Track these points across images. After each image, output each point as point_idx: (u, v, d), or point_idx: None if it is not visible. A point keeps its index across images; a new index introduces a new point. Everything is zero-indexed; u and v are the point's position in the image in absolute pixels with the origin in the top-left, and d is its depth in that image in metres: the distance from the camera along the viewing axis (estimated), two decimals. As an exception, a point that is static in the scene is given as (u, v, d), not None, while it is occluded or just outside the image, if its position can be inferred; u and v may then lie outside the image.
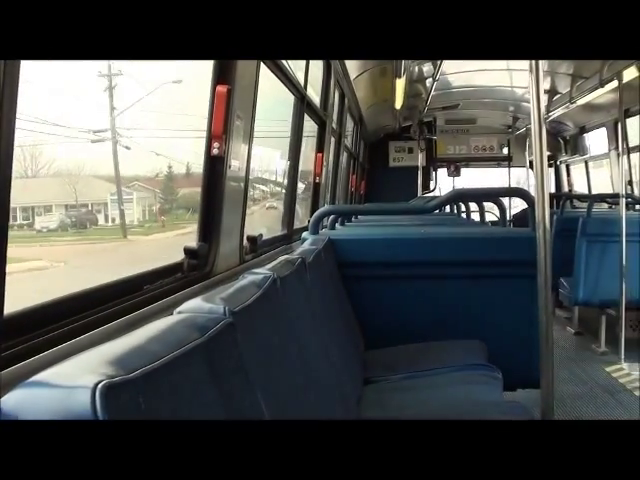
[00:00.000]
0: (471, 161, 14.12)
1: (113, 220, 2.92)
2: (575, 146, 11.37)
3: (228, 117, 2.75)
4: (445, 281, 4.24)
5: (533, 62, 2.89)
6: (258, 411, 1.62)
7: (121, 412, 1.03)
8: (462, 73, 9.20)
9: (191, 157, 3.74)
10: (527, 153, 13.10)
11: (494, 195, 6.30)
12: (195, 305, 1.74)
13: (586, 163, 11.26)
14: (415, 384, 3.58)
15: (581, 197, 10.46)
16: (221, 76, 2.79)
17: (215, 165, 2.80)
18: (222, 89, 2.72)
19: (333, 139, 7.10)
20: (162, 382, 1.19)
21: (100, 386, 1.01)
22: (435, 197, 8.81)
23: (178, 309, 1.71)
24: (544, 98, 2.75)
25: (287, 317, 2.38)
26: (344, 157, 9.01)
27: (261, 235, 3.67)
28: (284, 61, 4.00)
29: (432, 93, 9.29)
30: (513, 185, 13.52)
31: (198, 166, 3.13)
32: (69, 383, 1.03)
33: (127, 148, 2.73)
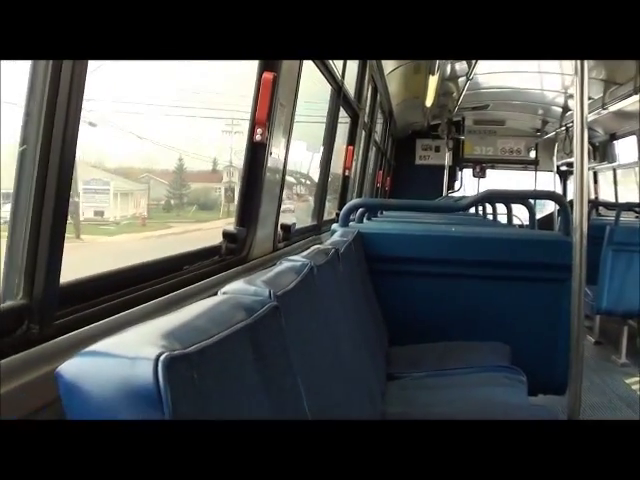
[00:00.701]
0: (497, 163, 14.08)
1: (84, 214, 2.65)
2: (604, 153, 11.31)
3: (272, 104, 2.76)
4: (472, 281, 4.23)
5: (578, 64, 2.88)
6: (297, 395, 1.63)
7: (178, 385, 1.04)
8: (493, 74, 9.18)
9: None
10: (555, 158, 13.05)
11: (527, 197, 6.26)
12: (240, 287, 1.75)
13: (614, 171, 11.19)
14: (439, 382, 3.58)
15: (609, 205, 10.40)
16: (268, 63, 2.80)
17: (257, 151, 2.81)
18: (268, 76, 2.73)
19: (364, 133, 7.10)
20: (213, 359, 1.20)
21: (162, 358, 1.02)
22: (463, 197, 8.79)
23: (223, 290, 1.72)
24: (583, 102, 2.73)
25: (322, 305, 2.39)
26: (372, 152, 9.00)
27: (294, 224, 3.68)
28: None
29: (464, 92, 9.27)
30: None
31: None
32: (130, 354, 1.04)
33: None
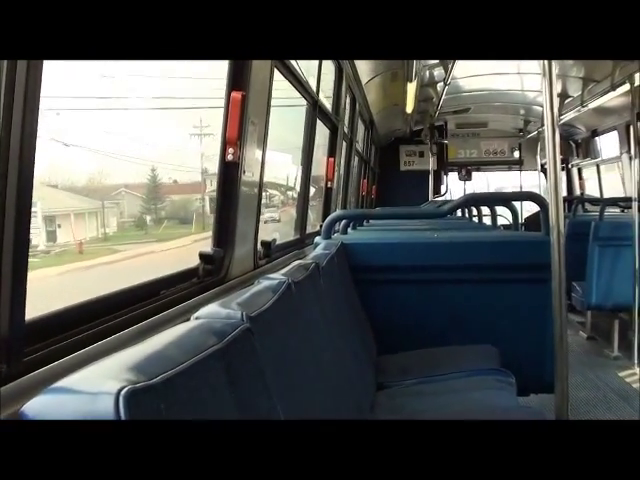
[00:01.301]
0: (482, 165, 14.11)
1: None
2: (587, 149, 11.35)
3: (242, 123, 2.76)
4: (458, 285, 4.24)
5: (546, 65, 2.89)
6: (275, 417, 1.63)
7: (143, 417, 1.04)
8: (473, 77, 9.21)
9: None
10: (539, 157, 13.10)
11: (507, 199, 6.30)
12: (212, 310, 1.75)
13: (598, 166, 11.24)
14: (428, 389, 3.58)
15: (593, 201, 10.44)
16: (235, 82, 2.80)
17: (230, 171, 2.81)
18: (237, 95, 2.73)
19: (344, 143, 7.11)
20: (181, 388, 1.20)
21: (123, 392, 1.02)
22: (447, 201, 8.81)
23: (196, 314, 1.72)
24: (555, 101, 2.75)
25: (302, 322, 2.39)
26: (355, 161, 9.01)
27: (275, 240, 3.67)
28: (297, 67, 4.01)
29: (443, 97, 9.29)
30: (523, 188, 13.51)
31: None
32: (92, 389, 1.04)
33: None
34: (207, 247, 2.76)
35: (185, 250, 3.62)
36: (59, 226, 2.62)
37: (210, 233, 2.87)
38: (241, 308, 1.76)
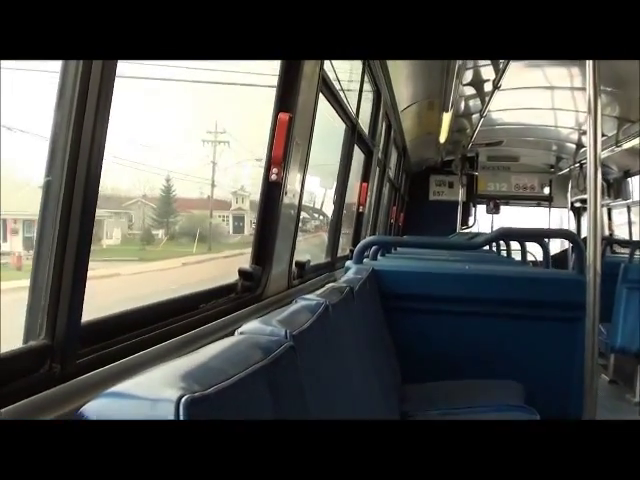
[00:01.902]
0: (511, 199, 14.07)
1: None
2: (618, 190, 11.31)
3: (288, 144, 2.79)
4: (486, 319, 4.23)
5: (592, 102, 2.89)
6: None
7: (198, 427, 1.06)
8: (507, 110, 9.22)
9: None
10: (569, 194, 13.06)
11: (541, 236, 6.26)
12: (256, 327, 1.77)
13: (628, 208, 11.19)
14: (452, 421, 3.57)
15: (623, 242, 10.38)
16: (283, 104, 2.84)
17: (272, 190, 2.84)
18: (284, 117, 2.77)
19: (377, 169, 7.14)
20: (231, 400, 1.22)
21: (183, 400, 1.04)
22: (477, 234, 8.78)
23: (240, 330, 1.74)
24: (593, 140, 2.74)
25: (336, 344, 2.40)
26: (387, 188, 9.04)
27: (309, 261, 3.70)
28: (340, 91, 4.05)
29: (478, 129, 9.31)
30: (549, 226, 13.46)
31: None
32: (152, 395, 1.06)
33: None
34: (200, 272, 2.71)
35: (160, 275, 3.28)
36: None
37: (213, 255, 2.85)
38: (283, 326, 1.78)
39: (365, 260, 4.65)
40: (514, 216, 14.11)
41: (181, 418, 1.02)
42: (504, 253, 8.36)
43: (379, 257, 5.33)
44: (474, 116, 9.19)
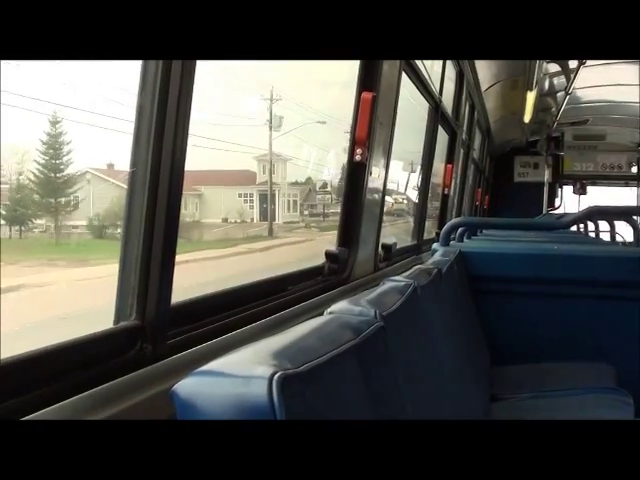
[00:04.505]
0: (598, 179, 13.79)
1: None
2: None
3: (372, 124, 2.76)
4: (576, 300, 4.14)
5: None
6: (404, 415, 1.62)
7: (291, 403, 1.05)
8: (593, 88, 9.01)
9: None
10: (658, 172, 12.75)
11: (633, 214, 6.09)
12: (345, 307, 1.75)
13: None
14: (542, 404, 3.50)
15: None
16: (366, 82, 2.81)
17: (357, 171, 2.82)
18: (367, 96, 2.74)
19: (462, 151, 7.06)
20: (322, 378, 1.21)
21: (276, 376, 1.03)
22: (565, 215, 8.61)
23: (329, 310, 1.73)
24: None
25: (425, 325, 2.37)
26: (471, 170, 8.94)
27: (395, 244, 3.67)
28: (422, 69, 4.00)
29: (563, 107, 9.14)
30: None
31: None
32: (244, 372, 1.05)
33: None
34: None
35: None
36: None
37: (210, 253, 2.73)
38: (373, 306, 1.76)
39: (452, 243, 4.60)
40: (601, 197, 13.83)
41: (274, 395, 1.01)
42: (592, 235, 8.20)
43: (465, 239, 5.28)
44: (559, 94, 9.01)
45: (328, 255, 2.69)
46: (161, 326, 1.44)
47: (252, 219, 3.48)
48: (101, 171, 2.39)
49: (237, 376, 1.06)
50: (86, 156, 2.23)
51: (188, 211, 2.91)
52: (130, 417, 1.26)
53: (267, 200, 3.43)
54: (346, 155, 2.83)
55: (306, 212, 4.86)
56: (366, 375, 1.44)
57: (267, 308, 2.02)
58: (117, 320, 1.41)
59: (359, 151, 2.76)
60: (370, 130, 2.77)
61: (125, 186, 1.45)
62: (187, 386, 1.07)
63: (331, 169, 4.85)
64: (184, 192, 1.50)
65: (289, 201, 3.96)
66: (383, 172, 3.15)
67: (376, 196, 3.11)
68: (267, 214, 3.52)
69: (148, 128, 1.41)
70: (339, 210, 2.92)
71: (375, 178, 2.99)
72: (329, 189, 5.00)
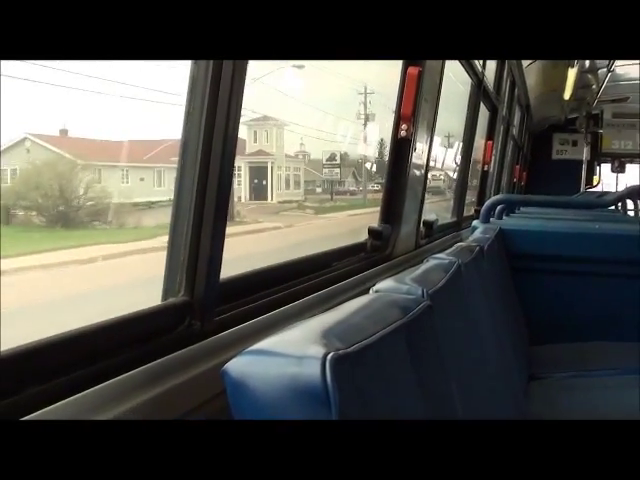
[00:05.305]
0: (637, 157, 13.63)
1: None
2: None
3: (417, 100, 2.74)
4: (616, 279, 4.11)
5: None
6: (450, 396, 1.62)
7: (344, 383, 1.04)
8: (634, 65, 8.88)
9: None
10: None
11: None
12: (391, 285, 1.74)
13: None
14: (580, 384, 3.48)
15: None
16: (412, 57, 2.78)
17: (402, 147, 2.80)
18: (413, 71, 2.71)
19: (501, 127, 7.00)
20: (372, 358, 1.20)
21: (329, 357, 1.02)
22: (604, 193, 8.53)
23: (375, 288, 1.71)
24: None
25: (468, 303, 2.36)
26: (510, 147, 8.87)
27: (437, 220, 3.64)
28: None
29: (604, 85, 9.02)
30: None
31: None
32: (297, 352, 1.04)
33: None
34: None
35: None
36: None
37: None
38: (419, 284, 1.75)
39: (492, 220, 4.57)
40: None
41: (327, 375, 1.00)
42: (631, 213, 8.10)
43: (504, 217, 5.24)
44: (600, 71, 8.89)
45: (371, 231, 2.68)
46: (210, 302, 1.43)
47: (239, 197, 3.09)
48: (47, 138, 2.00)
49: (289, 355, 1.05)
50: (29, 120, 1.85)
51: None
52: (179, 395, 1.25)
53: (260, 176, 3.05)
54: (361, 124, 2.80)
55: (319, 189, 4.43)
56: (413, 355, 1.43)
57: (313, 284, 2.01)
58: (166, 297, 1.40)
59: (404, 127, 2.73)
60: (415, 106, 2.74)
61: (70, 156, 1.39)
62: (239, 365, 1.06)
63: (347, 138, 4.50)
64: (160, 165, 1.47)
65: (288, 176, 3.52)
66: (427, 149, 3.12)
67: (419, 173, 3.09)
68: (260, 192, 3.11)
69: (201, 101, 1.41)
70: (352, 188, 2.88)
71: (419, 154, 2.96)
72: (337, 162, 4.52)
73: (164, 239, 1.44)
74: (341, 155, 4.59)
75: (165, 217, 1.46)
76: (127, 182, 2.25)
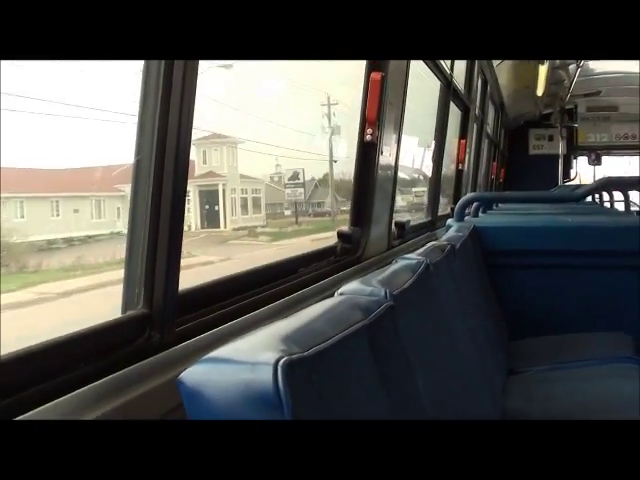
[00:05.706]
0: (612, 149, 13.73)
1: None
2: None
3: (381, 104, 2.76)
4: (591, 271, 4.13)
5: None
6: (416, 394, 1.63)
7: (298, 388, 1.05)
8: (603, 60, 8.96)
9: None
10: (673, 142, 12.67)
11: None
12: (355, 287, 1.75)
13: None
14: (561, 376, 3.50)
15: None
16: (375, 63, 2.80)
17: (368, 151, 2.82)
18: (376, 76, 2.73)
19: (475, 126, 7.03)
20: (332, 361, 1.21)
21: (281, 362, 1.02)
22: (580, 186, 8.58)
23: (340, 290, 1.72)
24: None
25: (438, 303, 2.37)
26: (485, 144, 8.91)
27: (409, 221, 3.66)
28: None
29: (575, 79, 9.08)
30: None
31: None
32: (250, 359, 1.05)
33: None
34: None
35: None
36: None
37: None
38: (383, 286, 1.76)
39: (467, 218, 4.58)
40: (616, 168, 13.76)
41: (279, 381, 1.01)
42: (607, 205, 8.15)
43: (480, 214, 5.26)
44: (571, 67, 8.95)
45: (340, 235, 2.69)
46: (169, 314, 1.44)
47: (189, 226, 2.76)
48: None
49: (243, 362, 1.05)
50: None
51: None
52: (139, 406, 1.26)
53: (212, 201, 2.78)
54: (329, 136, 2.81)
55: (288, 212, 4.15)
56: (377, 356, 1.44)
57: (278, 291, 2.01)
58: (125, 309, 1.41)
59: (369, 131, 2.75)
60: (380, 110, 2.76)
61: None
62: (193, 374, 1.07)
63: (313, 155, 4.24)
64: (98, 194, 1.46)
65: (246, 199, 3.21)
66: (394, 151, 3.14)
67: (388, 173, 3.11)
68: (213, 218, 2.83)
69: (152, 115, 1.41)
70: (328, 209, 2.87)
71: (386, 157, 2.98)
72: (301, 180, 4.19)
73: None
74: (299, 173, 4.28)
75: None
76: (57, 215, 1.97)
